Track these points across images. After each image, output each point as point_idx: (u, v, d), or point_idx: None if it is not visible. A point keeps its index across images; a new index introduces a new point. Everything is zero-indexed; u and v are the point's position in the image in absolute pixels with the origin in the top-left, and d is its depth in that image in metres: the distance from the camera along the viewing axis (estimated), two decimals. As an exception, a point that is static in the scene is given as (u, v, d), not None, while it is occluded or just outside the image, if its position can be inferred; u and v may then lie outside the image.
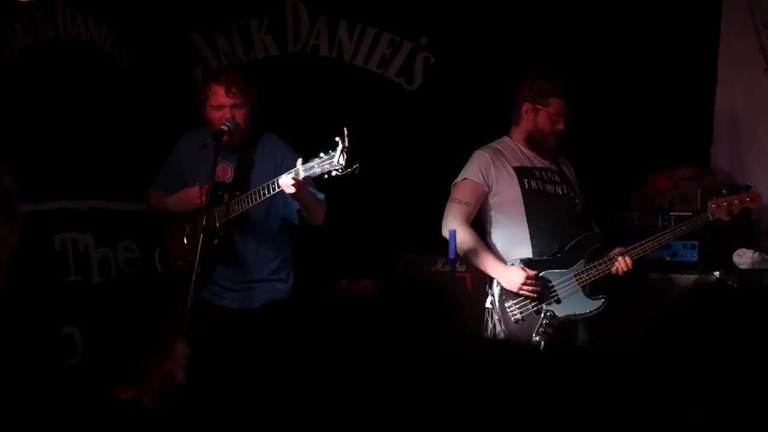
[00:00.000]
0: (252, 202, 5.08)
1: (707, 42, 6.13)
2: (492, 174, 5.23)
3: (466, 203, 5.20)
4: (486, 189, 5.23)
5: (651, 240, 5.14)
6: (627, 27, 6.16)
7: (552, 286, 5.14)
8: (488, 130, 5.52)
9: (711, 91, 6.16)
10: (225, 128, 5.11)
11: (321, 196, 5.25)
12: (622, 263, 5.08)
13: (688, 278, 5.44)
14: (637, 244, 5.14)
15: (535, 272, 5.09)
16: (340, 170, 4.76)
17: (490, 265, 5.13)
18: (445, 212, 5.23)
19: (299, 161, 4.87)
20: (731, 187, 5.47)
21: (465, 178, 5.25)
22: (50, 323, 5.46)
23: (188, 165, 5.34)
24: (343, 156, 4.72)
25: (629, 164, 6.09)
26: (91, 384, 2.74)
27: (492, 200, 5.25)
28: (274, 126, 5.51)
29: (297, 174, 4.86)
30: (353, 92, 6.31)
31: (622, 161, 6.10)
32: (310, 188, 5.11)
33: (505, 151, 5.32)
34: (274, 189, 4.98)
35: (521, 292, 5.07)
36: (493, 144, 5.36)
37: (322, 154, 4.80)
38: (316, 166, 4.81)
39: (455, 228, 5.07)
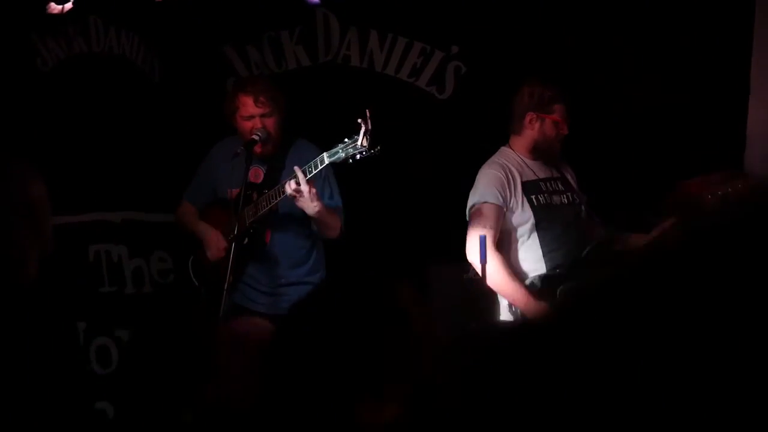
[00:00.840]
0: (279, 196, 5.07)
1: (740, 46, 6.08)
2: (507, 193, 5.17)
3: (490, 227, 5.11)
4: (505, 209, 5.17)
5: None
6: (659, 32, 6.12)
7: None
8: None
9: (744, 96, 6.11)
10: (256, 137, 5.14)
11: (335, 203, 5.26)
12: None
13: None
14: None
15: None
16: (363, 152, 4.77)
17: (518, 298, 5.07)
18: (469, 239, 5.15)
19: (324, 154, 4.88)
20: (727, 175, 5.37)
21: (485, 202, 5.17)
22: (78, 331, 5.50)
23: (220, 173, 5.39)
24: (366, 138, 4.75)
25: (662, 172, 6.05)
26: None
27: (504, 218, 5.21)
28: (306, 136, 5.53)
29: (322, 161, 4.86)
30: (384, 102, 6.30)
31: (654, 169, 6.06)
32: (327, 201, 5.14)
33: (511, 165, 5.26)
34: (281, 193, 5.01)
35: None
36: (497, 159, 5.30)
37: (345, 139, 4.83)
38: (341, 150, 4.83)
39: (489, 256, 4.99)
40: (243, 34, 6.47)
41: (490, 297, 5.42)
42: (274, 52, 6.50)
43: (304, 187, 4.88)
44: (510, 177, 5.20)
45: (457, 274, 5.76)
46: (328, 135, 5.69)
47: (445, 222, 6.06)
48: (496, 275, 5.03)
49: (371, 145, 4.78)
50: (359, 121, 4.77)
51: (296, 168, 4.91)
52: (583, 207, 5.32)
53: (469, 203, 5.24)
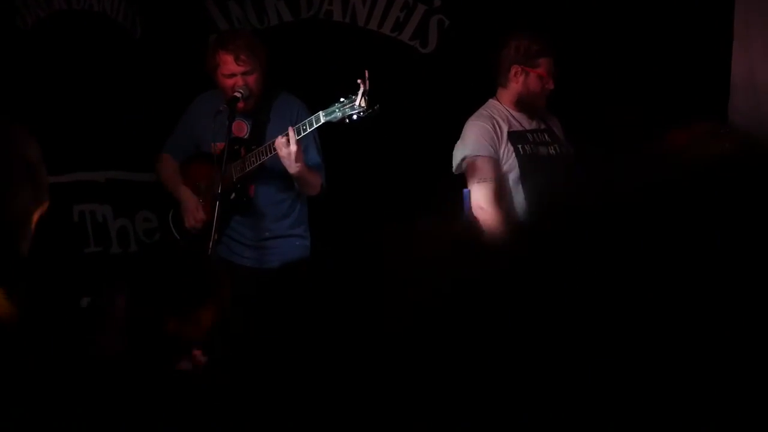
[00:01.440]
0: (269, 154, 5.07)
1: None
2: (496, 143, 5.16)
3: (488, 179, 5.11)
4: (498, 159, 5.16)
5: None
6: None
7: None
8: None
9: (727, 47, 6.10)
10: (238, 95, 5.11)
11: (317, 160, 5.26)
12: None
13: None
14: None
15: None
16: (361, 113, 4.77)
17: None
18: (474, 195, 5.12)
19: (320, 113, 4.87)
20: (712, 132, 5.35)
21: (478, 155, 5.16)
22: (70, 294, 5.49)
23: (202, 126, 5.35)
24: (365, 99, 4.74)
25: (645, 122, 6.05)
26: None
27: None
28: (290, 92, 5.51)
29: (317, 120, 4.86)
30: (367, 57, 6.28)
31: (637, 119, 6.06)
32: (311, 156, 5.15)
33: (497, 117, 5.24)
34: (271, 151, 5.00)
35: None
36: (484, 111, 5.27)
37: (342, 99, 4.82)
38: (337, 110, 4.83)
39: (491, 212, 5.03)
40: (224, -11, 6.42)
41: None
42: (255, 7, 6.46)
43: (293, 147, 4.87)
44: (497, 128, 5.19)
45: (445, 226, 5.77)
46: (312, 90, 5.68)
47: (431, 175, 6.06)
48: (494, 226, 5.02)
49: (369, 105, 4.76)
50: (358, 81, 4.75)
51: (290, 128, 4.88)
52: (571, 158, 5.30)
53: (458, 156, 5.22)
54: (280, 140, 4.90)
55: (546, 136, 5.29)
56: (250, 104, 5.21)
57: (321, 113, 4.88)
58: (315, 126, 4.91)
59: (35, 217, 2.57)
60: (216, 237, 4.97)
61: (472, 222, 5.10)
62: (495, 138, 5.16)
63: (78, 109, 5.74)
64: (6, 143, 2.59)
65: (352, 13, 6.42)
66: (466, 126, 5.25)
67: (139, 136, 5.93)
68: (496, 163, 5.15)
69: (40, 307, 2.69)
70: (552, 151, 5.27)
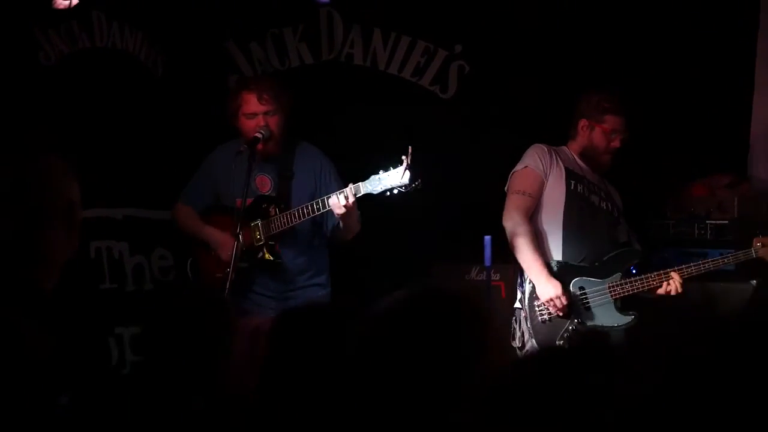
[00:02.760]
0: (300, 218, 5.08)
1: (744, 47, 6.07)
2: (548, 166, 5.18)
3: (529, 194, 5.14)
4: (544, 179, 5.17)
5: (697, 264, 5.07)
6: (662, 32, 6.10)
7: (585, 294, 5.09)
8: (521, 137, 5.49)
9: (748, 97, 6.10)
10: (259, 136, 5.10)
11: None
12: (677, 281, 5.03)
13: (725, 287, 5.37)
14: (684, 266, 5.07)
15: (567, 297, 5.03)
16: (403, 188, 4.78)
17: (535, 268, 5.04)
18: (507, 204, 5.16)
19: (360, 184, 4.88)
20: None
21: (526, 166, 5.19)
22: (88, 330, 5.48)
23: (223, 177, 5.29)
24: (407, 173, 4.74)
25: (665, 173, 6.04)
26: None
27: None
28: (310, 134, 5.51)
29: (357, 191, 4.86)
30: (388, 100, 6.30)
31: (658, 170, 6.05)
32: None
33: (562, 154, 5.28)
34: (323, 207, 4.99)
35: (548, 305, 5.02)
36: (551, 146, 5.32)
37: (381, 171, 4.82)
38: (378, 182, 4.82)
39: (518, 221, 5.05)
40: (246, 30, 6.46)
41: (492, 295, 5.42)
42: (277, 49, 6.49)
43: (350, 204, 4.92)
44: (556, 156, 5.23)
45: (459, 273, 5.76)
46: (332, 134, 5.69)
47: (449, 222, 6.05)
48: (519, 240, 5.03)
49: (412, 180, 4.77)
50: (403, 157, 4.76)
51: (347, 191, 4.90)
52: (620, 220, 5.31)
53: (511, 172, 5.26)
54: (335, 202, 4.92)
55: (602, 192, 5.31)
56: (269, 147, 5.18)
57: (360, 185, 4.89)
58: (355, 198, 4.91)
59: (63, 254, 2.57)
60: (233, 277, 4.93)
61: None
62: (548, 158, 5.19)
63: (98, 146, 5.75)
64: (51, 180, 2.60)
65: (372, 57, 6.45)
66: (530, 147, 5.30)
67: (157, 175, 5.93)
68: (538, 178, 5.17)
69: (64, 342, 2.68)
70: (603, 205, 5.28)
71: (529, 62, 6.21)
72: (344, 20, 6.43)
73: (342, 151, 5.57)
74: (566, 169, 5.22)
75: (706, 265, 5.09)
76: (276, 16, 6.48)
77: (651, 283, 5.06)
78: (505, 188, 5.25)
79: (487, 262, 4.99)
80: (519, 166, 5.23)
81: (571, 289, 5.08)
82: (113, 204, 5.91)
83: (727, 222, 5.52)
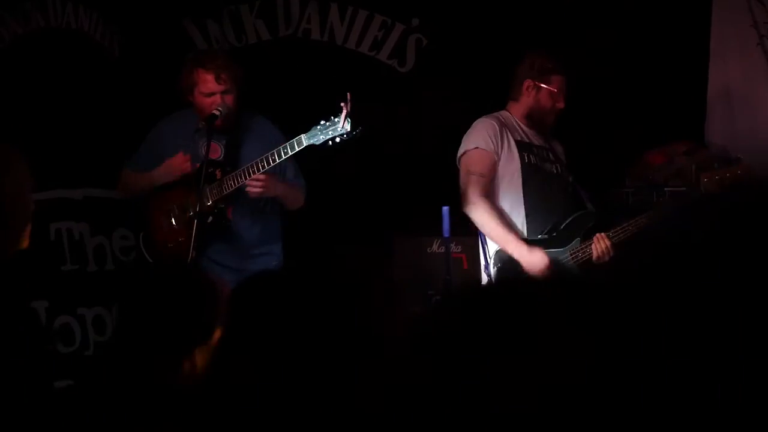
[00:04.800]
0: (248, 176, 5.06)
1: (699, 17, 6.11)
2: (499, 142, 5.15)
3: (482, 174, 5.09)
4: (496, 158, 5.14)
5: (632, 222, 4.99)
6: (617, 2, 6.14)
7: None
8: (480, 110, 5.49)
9: (704, 66, 6.14)
10: (217, 113, 5.09)
11: (301, 182, 5.30)
12: (601, 244, 5.02)
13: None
14: (618, 228, 5.06)
15: (553, 264, 5.01)
16: (344, 135, 4.78)
17: (512, 243, 5.02)
18: (463, 187, 5.12)
19: (302, 136, 4.89)
20: (722, 160, 5.40)
21: (476, 147, 5.14)
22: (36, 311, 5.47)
23: (170, 148, 5.29)
24: (348, 121, 4.74)
25: (623, 142, 6.08)
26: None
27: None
28: (268, 110, 5.50)
29: (300, 143, 4.87)
30: (346, 75, 6.30)
31: (615, 139, 6.09)
32: (289, 176, 5.20)
33: (507, 123, 5.25)
34: (273, 160, 4.97)
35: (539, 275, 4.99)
36: (494, 114, 5.27)
37: (322, 121, 4.82)
38: (319, 132, 4.83)
39: (479, 203, 5.02)
40: (202, 7, 6.42)
41: (458, 269, 5.44)
42: (234, 25, 6.46)
43: (264, 180, 4.96)
44: (504, 129, 5.19)
45: (421, 246, 5.78)
46: (290, 109, 5.68)
47: (409, 195, 6.07)
48: (485, 220, 5.03)
49: (353, 128, 4.77)
50: (341, 104, 4.75)
51: (262, 157, 4.94)
52: (571, 180, 5.31)
53: (460, 151, 5.22)
54: (251, 184, 4.97)
55: (550, 155, 5.30)
56: (227, 123, 5.19)
57: (303, 136, 4.88)
58: (297, 149, 4.89)
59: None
60: (194, 255, 4.94)
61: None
62: (498, 134, 5.15)
63: (55, 127, 5.72)
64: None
65: (330, 32, 6.44)
66: (473, 124, 5.26)
67: (116, 154, 5.90)
68: (493, 159, 5.15)
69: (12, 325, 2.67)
70: (555, 170, 5.28)
71: (486, 34, 6.22)
72: (301, -5, 6.42)
73: (300, 126, 5.57)
74: (516, 141, 5.20)
75: (644, 219, 5.03)
76: (232, -8, 6.45)
77: (604, 242, 5.04)
78: (458, 165, 5.22)
79: (446, 233, 5.00)
80: (469, 146, 5.17)
81: None
82: (72, 185, 5.88)
83: (685, 189, 5.55)
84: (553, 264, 4.97)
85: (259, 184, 4.99)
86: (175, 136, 5.28)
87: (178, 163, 5.19)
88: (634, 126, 6.10)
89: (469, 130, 5.23)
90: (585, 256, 5.07)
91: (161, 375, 2.60)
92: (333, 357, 2.03)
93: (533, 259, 4.99)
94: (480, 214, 5.05)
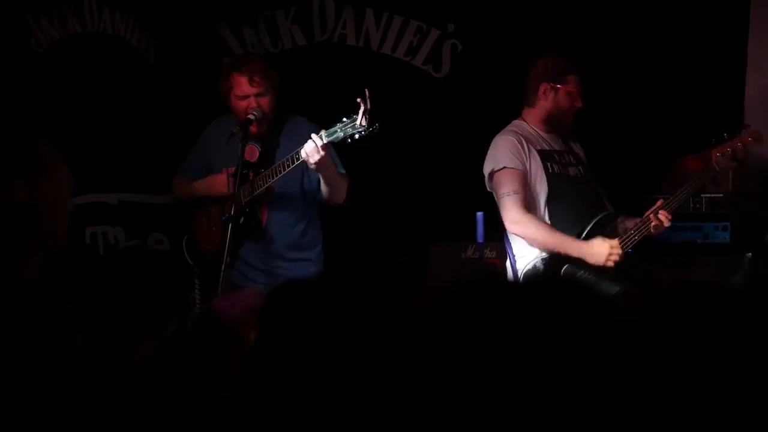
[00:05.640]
0: (276, 176, 5.06)
1: (737, 20, 6.06)
2: (525, 156, 5.12)
3: (516, 192, 5.04)
4: (525, 172, 5.10)
5: (674, 196, 5.03)
6: (655, 7, 6.10)
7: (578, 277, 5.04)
8: (515, 115, 5.47)
9: (741, 70, 6.09)
10: (252, 117, 5.11)
11: (342, 171, 5.26)
12: (662, 218, 4.96)
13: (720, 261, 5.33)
14: (671, 197, 5.03)
15: (617, 239, 4.98)
16: (362, 131, 4.77)
17: (571, 246, 4.98)
18: (503, 210, 5.07)
19: (322, 132, 4.88)
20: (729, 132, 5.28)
21: (504, 167, 5.10)
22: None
23: (215, 151, 5.36)
24: (366, 117, 4.74)
25: (659, 148, 6.04)
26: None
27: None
28: (304, 116, 5.51)
29: (320, 139, 4.86)
30: (381, 80, 6.28)
31: (652, 145, 6.05)
32: (332, 161, 5.14)
33: (524, 134, 5.20)
34: (297, 159, 4.98)
35: (608, 263, 4.93)
36: (510, 128, 5.23)
37: (344, 119, 4.82)
38: (339, 130, 4.84)
39: (521, 219, 4.99)
40: (238, 13, 6.44)
41: (490, 274, 5.40)
42: (269, 31, 6.47)
43: (321, 152, 4.88)
44: (524, 143, 5.15)
45: (456, 252, 5.76)
46: (325, 114, 5.67)
47: (443, 200, 6.06)
48: (536, 235, 4.99)
49: (370, 124, 4.76)
50: (358, 100, 4.76)
51: (313, 135, 4.88)
52: (592, 181, 5.28)
53: (486, 171, 5.17)
54: (308, 147, 4.90)
55: (572, 158, 5.27)
56: (263, 128, 5.21)
57: (323, 132, 4.89)
58: (323, 142, 4.90)
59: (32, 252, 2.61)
60: (228, 261, 4.95)
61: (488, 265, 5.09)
62: (522, 152, 5.12)
63: (91, 132, 5.76)
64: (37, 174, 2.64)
65: (365, 38, 6.44)
66: (493, 142, 5.21)
67: (152, 159, 5.94)
68: (523, 176, 5.11)
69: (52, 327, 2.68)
70: (579, 173, 5.24)
71: (522, 39, 6.19)
72: (336, 1, 6.42)
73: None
74: (538, 151, 5.16)
75: (680, 195, 5.05)
76: (267, -2, 6.47)
77: (635, 236, 5.01)
78: (488, 186, 5.19)
79: (480, 238, 4.99)
80: (497, 166, 5.12)
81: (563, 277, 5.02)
82: (108, 189, 5.92)
83: (721, 195, 5.50)
84: (619, 248, 4.92)
85: (316, 152, 4.90)
86: (219, 140, 5.31)
87: (222, 181, 5.21)
88: (670, 132, 6.05)
89: (492, 149, 5.19)
90: (629, 244, 4.99)
91: (109, 360, 2.61)
92: (367, 364, 2.01)
93: (595, 251, 4.95)
94: (529, 230, 5.01)
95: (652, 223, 4.98)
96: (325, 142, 4.87)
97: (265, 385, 2.09)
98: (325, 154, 4.92)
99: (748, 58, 6.11)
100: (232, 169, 5.13)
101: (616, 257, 4.91)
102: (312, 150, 4.89)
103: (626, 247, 4.99)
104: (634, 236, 5.00)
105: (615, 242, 4.94)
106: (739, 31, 6.08)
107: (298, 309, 2.18)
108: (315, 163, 4.94)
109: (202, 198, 5.37)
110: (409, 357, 1.96)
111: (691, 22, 6.06)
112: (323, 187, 5.19)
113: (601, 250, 4.94)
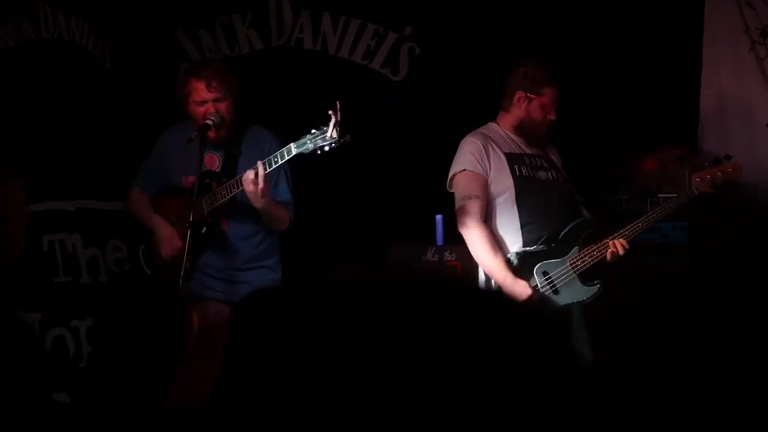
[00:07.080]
0: (239, 188, 5.03)
1: (691, 23, 6.12)
2: (486, 161, 5.13)
3: (476, 196, 5.08)
4: (487, 177, 5.12)
5: (640, 221, 5.07)
6: (610, 10, 6.14)
7: (550, 277, 5.06)
8: (474, 118, 5.48)
9: (696, 72, 6.15)
10: (210, 122, 5.07)
11: (286, 196, 5.23)
12: (618, 246, 5.03)
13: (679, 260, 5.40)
14: (627, 227, 5.07)
15: (535, 291, 5.01)
16: (333, 143, 4.74)
17: (498, 273, 5.02)
18: (459, 211, 5.10)
19: (291, 145, 4.85)
20: (713, 159, 5.37)
21: (464, 170, 5.12)
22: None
23: (171, 160, 5.30)
24: (336, 130, 4.71)
25: (616, 148, 6.08)
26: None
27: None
28: (261, 120, 5.48)
29: (289, 152, 4.83)
30: (339, 84, 6.29)
31: (608, 145, 6.09)
32: (281, 188, 5.15)
33: (494, 137, 5.22)
34: (269, 166, 4.94)
35: (525, 304, 4.93)
36: (481, 130, 5.24)
37: (313, 130, 4.78)
38: (308, 141, 4.79)
39: (471, 227, 5.01)
40: (195, 18, 6.42)
41: (450, 277, 5.41)
42: (226, 36, 6.46)
43: (260, 184, 4.85)
44: (491, 146, 5.16)
45: (416, 255, 5.76)
46: (282, 118, 5.66)
47: (402, 203, 6.06)
48: (476, 246, 5.03)
49: (341, 136, 4.74)
50: (329, 112, 4.71)
51: (259, 163, 4.85)
52: (568, 187, 5.29)
53: (450, 173, 5.20)
54: (247, 176, 4.86)
55: (543, 162, 5.27)
56: (221, 134, 5.16)
57: (292, 145, 4.84)
58: (286, 158, 4.86)
59: None
60: (187, 266, 4.91)
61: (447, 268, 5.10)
62: (484, 155, 5.13)
63: (47, 139, 5.71)
64: None
65: (322, 41, 6.44)
66: (460, 144, 5.24)
67: (109, 165, 5.89)
68: (484, 181, 5.12)
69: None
70: (549, 177, 5.25)
71: (479, 42, 6.22)
72: (293, 5, 6.41)
73: (294, 135, 5.56)
74: (505, 154, 5.18)
75: (651, 217, 5.10)
76: (224, 2, 6.45)
77: (600, 252, 5.06)
78: (448, 187, 5.20)
79: (439, 241, 4.99)
80: (457, 169, 5.15)
81: (535, 276, 5.06)
82: (65, 196, 5.86)
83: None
84: (536, 297, 4.97)
85: (252, 184, 4.87)
86: (176, 149, 5.25)
87: (177, 245, 5.13)
88: (627, 133, 6.10)
89: (458, 150, 5.21)
90: (585, 265, 5.05)
91: None
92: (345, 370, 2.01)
93: (515, 290, 4.99)
94: (472, 239, 5.04)
95: (609, 250, 5.03)
96: (293, 154, 4.83)
97: (240, 392, 2.08)
98: (264, 186, 4.87)
99: (703, 58, 6.17)
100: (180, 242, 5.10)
101: (530, 303, 4.94)
102: (249, 181, 4.86)
103: (577, 271, 5.05)
104: (587, 260, 5.05)
105: (534, 292, 4.98)
106: (695, 31, 6.14)
107: (268, 316, 2.18)
108: (249, 193, 4.91)
109: (160, 207, 5.32)
110: (380, 359, 1.96)
111: (648, 21, 6.11)
112: (262, 216, 5.16)
113: (517, 291, 4.98)
